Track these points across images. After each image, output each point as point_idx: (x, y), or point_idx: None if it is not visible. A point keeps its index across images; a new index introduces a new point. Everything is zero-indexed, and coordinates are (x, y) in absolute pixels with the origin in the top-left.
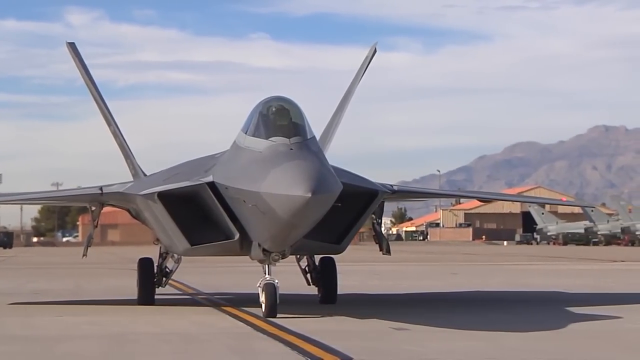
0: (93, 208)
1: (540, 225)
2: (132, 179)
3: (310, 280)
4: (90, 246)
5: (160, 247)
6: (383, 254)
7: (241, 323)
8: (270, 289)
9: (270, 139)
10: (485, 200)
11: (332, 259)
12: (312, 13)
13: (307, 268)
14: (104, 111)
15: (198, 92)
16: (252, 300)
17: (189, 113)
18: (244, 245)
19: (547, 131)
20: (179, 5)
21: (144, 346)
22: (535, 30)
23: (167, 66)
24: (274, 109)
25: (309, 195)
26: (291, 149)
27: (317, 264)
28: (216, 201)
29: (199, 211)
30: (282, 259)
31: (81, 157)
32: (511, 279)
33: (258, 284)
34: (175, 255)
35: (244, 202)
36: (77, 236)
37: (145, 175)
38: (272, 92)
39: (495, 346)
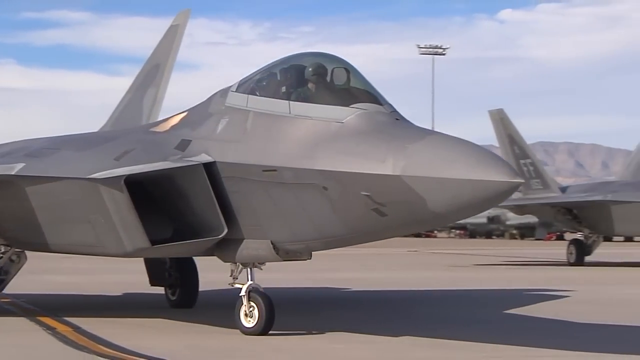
0: None
1: None
2: None
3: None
4: None
5: None
6: None
7: None
8: (265, 298)
9: (352, 106)
10: None
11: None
12: (52, 44)
13: None
14: None
15: None
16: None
17: None
18: (220, 244)
19: None
20: None
21: None
22: (232, 62)
23: None
24: (332, 70)
25: (514, 180)
26: (397, 118)
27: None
28: (211, 188)
29: (165, 200)
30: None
31: None
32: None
33: (242, 293)
34: (15, 255)
35: (324, 189)
36: None
37: None
38: (21, 110)
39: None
